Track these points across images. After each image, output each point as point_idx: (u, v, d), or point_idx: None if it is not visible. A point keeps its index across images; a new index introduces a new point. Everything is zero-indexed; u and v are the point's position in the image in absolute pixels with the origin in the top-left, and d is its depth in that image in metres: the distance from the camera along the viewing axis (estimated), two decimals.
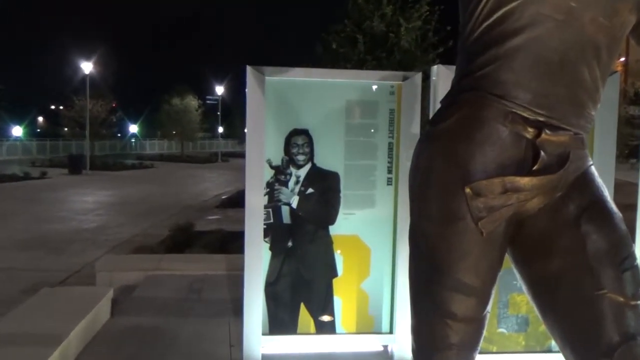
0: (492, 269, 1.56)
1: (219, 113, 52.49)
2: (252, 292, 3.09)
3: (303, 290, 3.21)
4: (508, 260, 1.65)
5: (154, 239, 8.64)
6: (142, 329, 3.81)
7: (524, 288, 1.62)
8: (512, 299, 3.11)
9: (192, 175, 26.84)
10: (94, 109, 36.07)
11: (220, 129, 54.45)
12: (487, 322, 1.61)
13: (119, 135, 53.25)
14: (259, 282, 3.11)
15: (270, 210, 3.14)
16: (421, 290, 1.62)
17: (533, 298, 1.59)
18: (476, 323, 1.57)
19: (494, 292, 1.60)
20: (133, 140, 55.11)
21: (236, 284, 4.46)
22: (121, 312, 4.19)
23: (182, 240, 7.57)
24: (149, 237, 9.15)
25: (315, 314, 3.24)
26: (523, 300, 3.09)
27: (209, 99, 67.61)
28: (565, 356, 1.53)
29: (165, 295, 4.74)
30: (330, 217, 3.19)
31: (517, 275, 1.64)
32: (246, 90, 3.01)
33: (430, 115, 3.01)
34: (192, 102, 47.12)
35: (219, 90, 52.57)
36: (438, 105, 1.69)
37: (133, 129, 54.93)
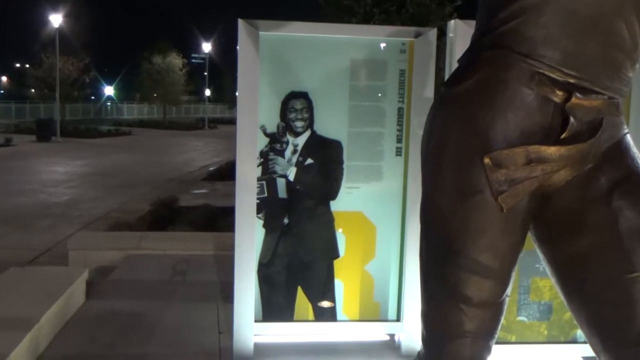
0: (513, 249, 1.58)
1: (205, 73, 52.31)
2: (243, 275, 3.11)
3: (300, 272, 3.23)
4: (530, 240, 1.66)
5: (133, 215, 8.69)
6: (121, 314, 3.85)
7: (548, 270, 1.63)
8: (534, 283, 3.13)
9: (175, 143, 26.84)
10: (65, 67, 35.86)
11: (208, 92, 54.27)
12: (505, 308, 1.63)
13: (93, 98, 53.09)
14: (251, 263, 3.13)
15: (264, 183, 3.15)
16: (433, 272, 1.64)
17: (558, 281, 1.60)
18: (493, 308, 1.58)
19: (514, 275, 1.61)
20: (109, 103, 54.84)
21: (225, 265, 4.49)
22: (97, 295, 4.22)
23: (165, 216, 7.63)
24: (128, 213, 9.20)
25: (314, 299, 3.27)
26: (546, 285, 3.11)
27: (195, 58, 67.21)
28: (592, 345, 1.55)
29: (146, 277, 4.78)
30: (331, 191, 3.20)
31: (541, 256, 1.65)
32: (237, 47, 2.98)
33: (446, 77, 2.99)
34: (176, 60, 46.83)
35: (206, 47, 52.29)
36: (455, 66, 1.69)
37: (109, 91, 54.74)
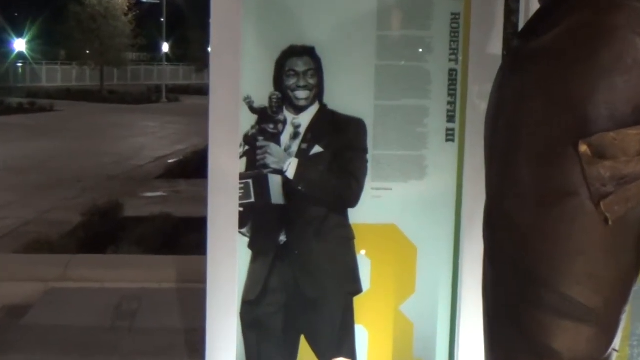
0: (623, 281, 1.58)
1: (162, 20, 52.14)
2: (219, 318, 3.13)
3: (304, 314, 3.25)
4: None
5: (56, 229, 8.70)
6: None
7: None
8: None
9: (118, 123, 26.87)
10: None
11: (166, 47, 54.11)
12: None
13: None
14: (230, 302, 3.14)
15: (249, 182, 3.16)
16: (503, 314, 1.64)
17: None
18: None
19: (624, 319, 1.61)
20: (20, 64, 54.88)
21: (193, 304, 4.49)
22: (5, 348, 4.23)
23: (103, 231, 7.63)
24: (49, 227, 9.21)
25: (324, 354, 3.27)
26: None
27: None
28: None
29: (76, 322, 4.78)
30: (349, 193, 3.20)
31: None
32: None
33: (521, 24, 2.98)
34: (118, 0, 46.88)
35: None
36: (535, 6, 1.68)
37: (19, 45, 54.65)
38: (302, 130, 3.16)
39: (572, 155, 1.52)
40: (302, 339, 3.26)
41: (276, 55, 3.11)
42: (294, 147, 3.16)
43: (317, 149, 3.16)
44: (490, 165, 1.71)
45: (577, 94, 1.52)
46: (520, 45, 1.66)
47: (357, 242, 3.22)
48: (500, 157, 1.66)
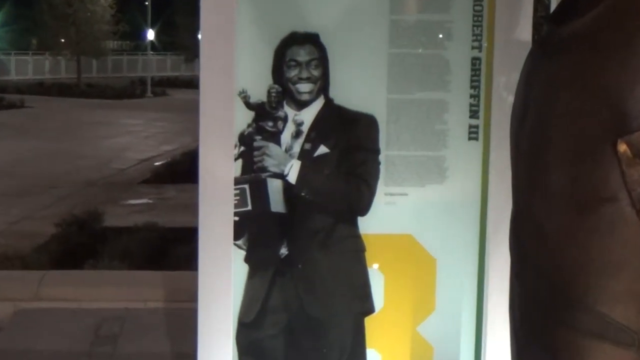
0: None
1: (147, 3, 52.26)
2: (212, 341, 3.12)
3: (309, 337, 3.24)
4: None
5: (28, 242, 8.70)
6: None
7: None
8: None
9: (98, 122, 26.90)
10: None
11: (151, 35, 54.23)
12: None
13: None
14: (225, 323, 3.13)
15: (246, 187, 3.16)
16: (533, 334, 1.64)
17: None
18: None
19: None
20: None
21: (183, 325, 4.49)
22: None
23: (81, 244, 7.64)
24: (20, 238, 9.23)
25: None
26: None
27: None
28: None
29: (50, 346, 4.79)
30: (359, 200, 3.21)
31: None
32: None
33: (553, 6, 2.97)
34: None
35: None
36: None
37: None
38: (305, 128, 3.16)
39: (610, 156, 1.51)
40: None
41: (275, 43, 3.12)
42: (296, 148, 3.16)
43: (322, 149, 3.17)
44: (517, 166, 1.70)
45: (615, 86, 1.49)
46: (551, 29, 1.65)
47: (369, 255, 3.23)
48: (528, 156, 1.65)
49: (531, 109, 1.64)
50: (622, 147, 1.49)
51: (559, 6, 1.66)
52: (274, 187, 3.17)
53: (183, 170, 13.29)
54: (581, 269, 1.54)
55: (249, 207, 3.17)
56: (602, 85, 1.52)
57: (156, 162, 16.71)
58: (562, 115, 1.57)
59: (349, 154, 3.19)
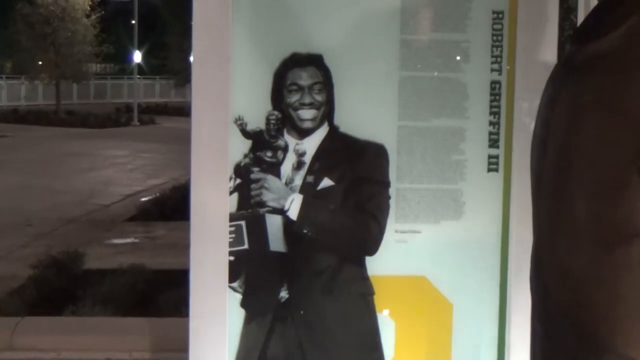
0: None
1: (134, 22, 52.20)
2: None
3: None
4: None
5: (1, 285, 8.71)
6: None
7: None
8: None
9: (78, 153, 26.95)
10: None
11: (138, 57, 54.17)
12: None
13: None
14: None
15: (242, 224, 3.19)
16: None
17: None
18: None
19: None
20: None
21: None
22: None
23: (60, 288, 7.65)
24: None
25: None
26: None
27: None
28: None
29: None
30: (367, 238, 3.23)
31: None
32: None
33: (578, 23, 3.02)
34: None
35: None
36: (593, 4, 1.73)
37: None
38: (307, 159, 3.19)
39: (638, 187, 1.56)
40: None
41: (275, 65, 3.17)
42: (298, 180, 3.20)
43: (326, 182, 3.20)
44: (538, 199, 1.73)
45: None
46: (574, 49, 1.69)
47: (378, 300, 3.25)
48: (550, 188, 1.68)
49: (553, 136, 1.68)
50: None
51: (582, 25, 1.72)
52: (273, 223, 3.19)
53: (173, 206, 13.36)
54: (608, 309, 1.58)
55: (246, 246, 3.19)
56: (628, 111, 1.56)
57: (143, 197, 16.73)
58: (586, 142, 1.60)
59: (355, 187, 3.21)
